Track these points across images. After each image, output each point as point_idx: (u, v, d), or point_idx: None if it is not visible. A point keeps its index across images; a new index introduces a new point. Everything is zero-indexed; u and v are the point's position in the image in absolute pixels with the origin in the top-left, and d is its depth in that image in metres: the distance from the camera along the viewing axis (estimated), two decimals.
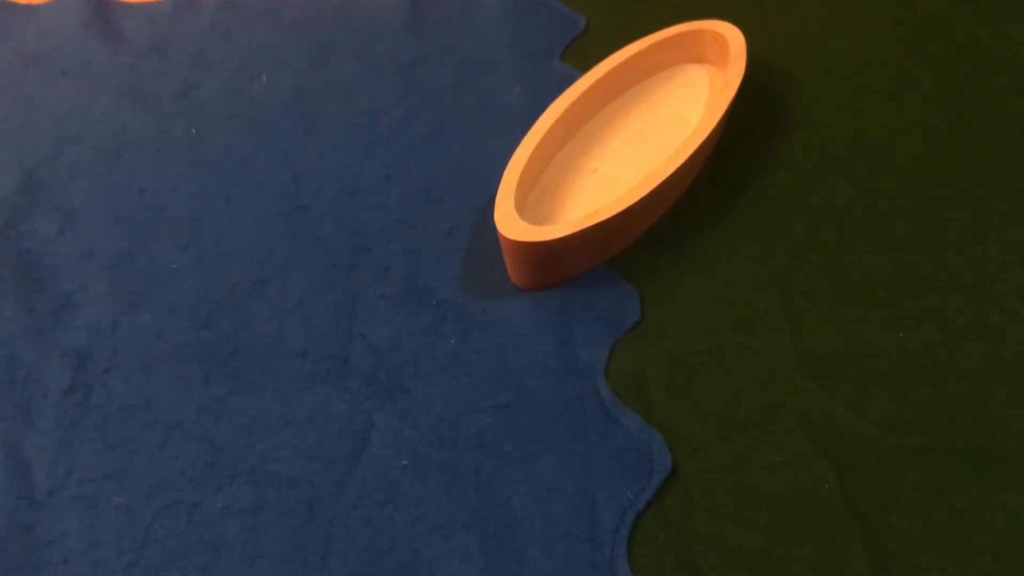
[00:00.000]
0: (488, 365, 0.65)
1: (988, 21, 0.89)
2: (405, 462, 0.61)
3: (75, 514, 0.59)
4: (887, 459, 0.59)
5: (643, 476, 0.59)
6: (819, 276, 0.69)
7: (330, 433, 0.62)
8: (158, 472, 0.61)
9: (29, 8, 0.96)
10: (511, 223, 0.65)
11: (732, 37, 0.78)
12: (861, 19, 0.91)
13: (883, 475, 0.58)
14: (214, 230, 0.75)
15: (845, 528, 0.56)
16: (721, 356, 0.65)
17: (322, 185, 0.78)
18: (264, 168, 0.80)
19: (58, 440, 0.62)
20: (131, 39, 0.92)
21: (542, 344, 0.66)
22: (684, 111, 0.79)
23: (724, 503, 0.58)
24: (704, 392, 0.63)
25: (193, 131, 0.83)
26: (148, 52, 0.91)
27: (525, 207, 0.72)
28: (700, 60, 0.83)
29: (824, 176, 0.76)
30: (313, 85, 0.87)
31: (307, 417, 0.63)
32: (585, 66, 0.80)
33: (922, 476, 0.58)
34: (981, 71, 0.84)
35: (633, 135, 0.78)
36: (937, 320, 0.66)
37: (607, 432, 0.61)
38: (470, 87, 0.86)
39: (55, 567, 0.56)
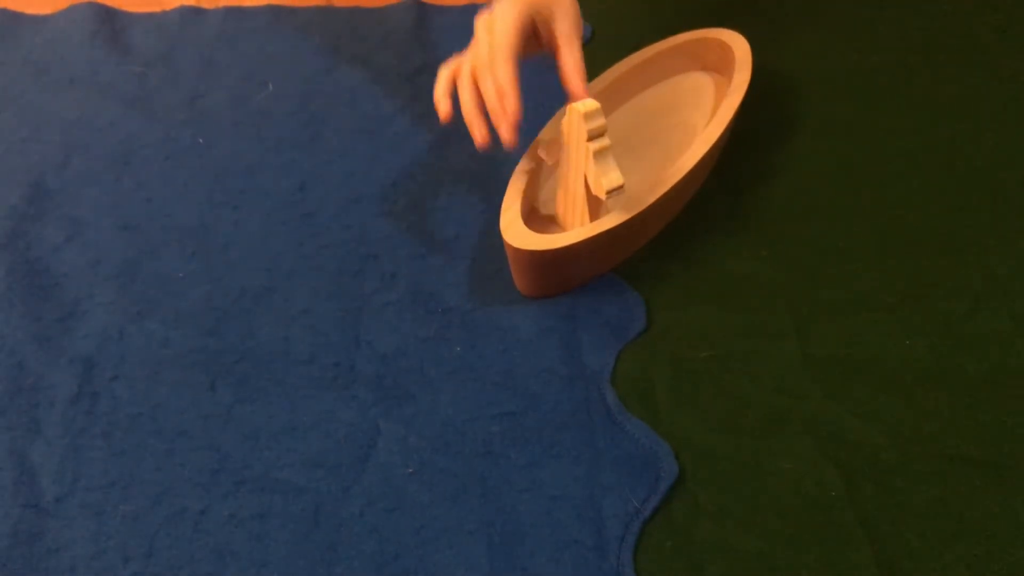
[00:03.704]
0: (494, 372, 0.65)
1: (996, 28, 0.89)
2: (411, 469, 0.60)
3: (82, 522, 0.59)
4: (895, 466, 0.59)
5: (649, 483, 0.59)
6: (826, 282, 0.69)
7: (336, 440, 0.62)
8: (164, 479, 0.61)
9: (37, 18, 0.97)
10: (516, 230, 0.65)
11: (737, 45, 0.78)
12: (866, 26, 0.91)
13: (891, 482, 0.58)
14: (221, 238, 0.75)
15: (853, 535, 0.56)
16: (728, 362, 0.65)
17: (329, 192, 0.78)
18: (271, 176, 0.80)
19: (65, 448, 0.62)
20: (138, 48, 0.93)
21: (548, 351, 0.66)
22: (690, 119, 0.79)
23: (731, 510, 0.57)
24: (711, 399, 0.63)
25: (200, 139, 0.83)
26: (155, 61, 0.91)
27: (531, 214, 0.72)
28: (705, 68, 0.83)
29: (830, 183, 0.76)
30: (320, 93, 0.87)
31: (313, 424, 0.63)
32: (591, 74, 0.80)
33: (930, 483, 0.58)
34: (989, 77, 0.84)
35: (639, 142, 0.78)
36: (945, 326, 0.66)
37: (613, 439, 0.61)
38: None
39: (61, 574, 0.56)
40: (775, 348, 0.65)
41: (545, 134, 0.73)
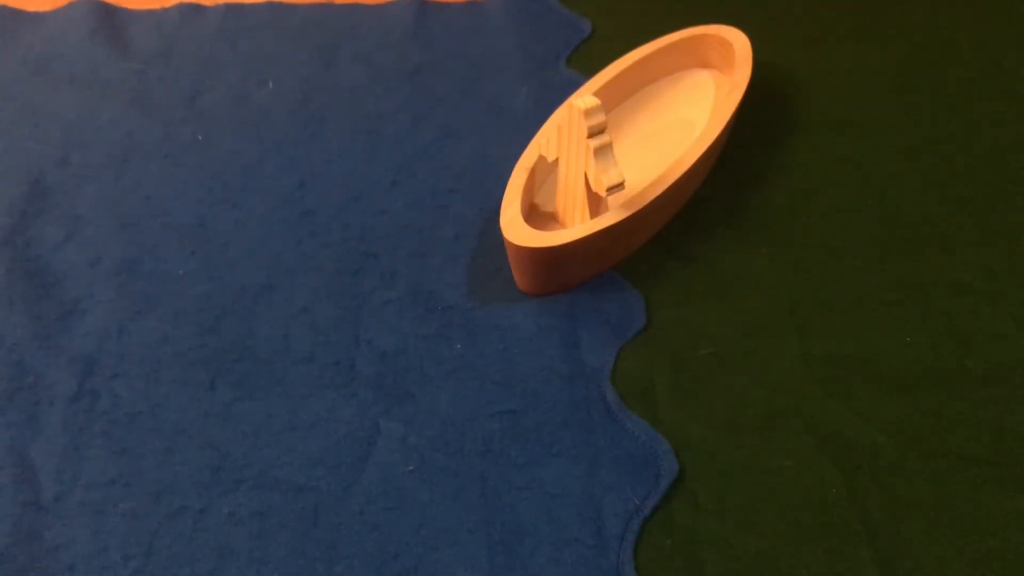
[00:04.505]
0: (494, 370, 0.65)
1: (995, 25, 0.89)
2: (411, 468, 0.60)
3: (81, 520, 0.59)
4: (895, 464, 0.58)
5: (649, 481, 0.59)
6: (826, 280, 0.69)
7: (336, 439, 0.62)
8: (164, 478, 0.61)
9: (36, 15, 0.97)
10: (517, 228, 0.65)
11: (738, 42, 0.78)
12: (866, 24, 0.90)
13: (891, 480, 0.58)
14: (220, 236, 0.75)
15: (853, 533, 0.55)
16: (728, 360, 0.65)
17: (328, 191, 0.78)
18: (270, 174, 0.80)
19: (64, 446, 0.62)
20: (138, 46, 0.93)
21: (548, 349, 0.66)
22: (690, 116, 0.79)
23: (731, 508, 0.57)
24: (711, 397, 0.63)
25: (200, 137, 0.83)
26: (155, 58, 0.91)
27: (531, 212, 0.72)
28: (706, 65, 0.83)
29: (831, 180, 0.76)
30: (319, 91, 0.87)
31: (313, 423, 0.63)
32: (590, 71, 0.81)
33: (930, 481, 0.58)
34: (988, 74, 0.84)
35: (639, 140, 0.77)
36: (945, 324, 0.65)
37: (613, 437, 0.61)
38: (476, 92, 0.86)
39: (61, 573, 0.56)
40: (775, 346, 0.65)
41: (545, 131, 0.72)
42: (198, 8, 0.97)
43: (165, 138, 0.83)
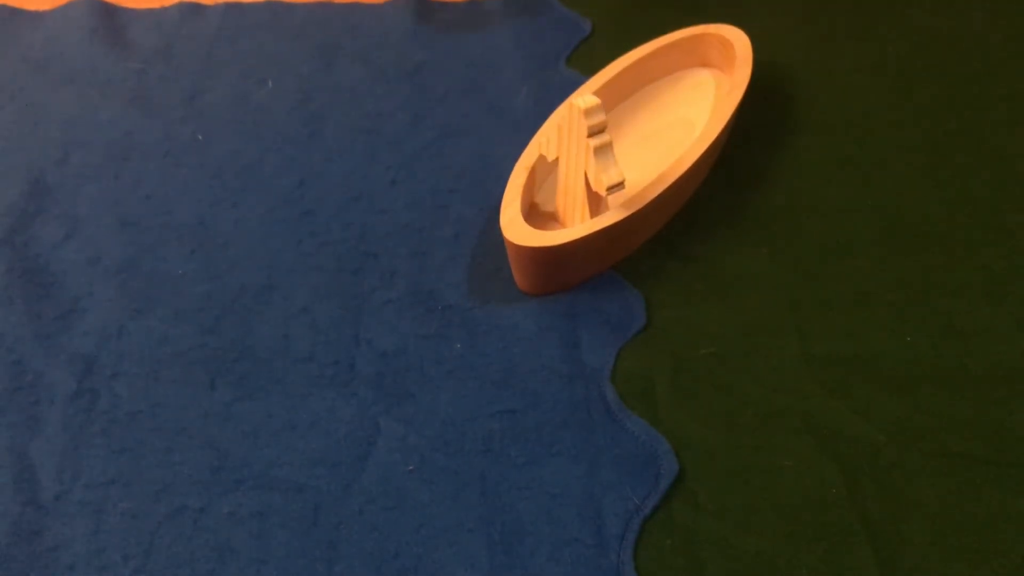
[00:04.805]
0: (494, 370, 0.65)
1: (996, 25, 0.89)
2: (411, 467, 0.60)
3: (81, 519, 0.59)
4: (895, 464, 0.58)
5: (649, 481, 0.59)
6: (827, 280, 0.69)
7: (336, 438, 0.62)
8: (164, 477, 0.61)
9: (36, 14, 0.97)
10: (517, 228, 0.65)
11: (738, 41, 0.78)
12: (867, 23, 0.90)
13: (891, 480, 0.58)
14: (220, 235, 0.75)
15: (853, 533, 0.55)
16: (728, 360, 0.65)
17: (328, 190, 0.78)
18: (270, 173, 0.80)
19: (64, 445, 0.62)
20: (137, 45, 0.93)
21: (548, 349, 0.66)
22: (690, 115, 0.79)
23: (731, 508, 0.57)
24: (711, 396, 0.63)
25: (199, 136, 0.83)
26: (154, 58, 0.91)
27: (531, 211, 0.72)
28: (706, 64, 0.83)
29: (831, 180, 0.76)
30: (319, 90, 0.87)
31: (313, 422, 0.63)
32: (591, 70, 0.81)
33: (931, 481, 0.57)
34: (989, 74, 0.84)
35: (639, 139, 0.77)
36: (946, 324, 0.65)
37: (613, 437, 0.61)
38: (476, 91, 0.86)
39: (61, 572, 0.56)
40: (775, 346, 0.65)
41: (545, 130, 0.72)
42: (198, 7, 0.96)
43: (165, 137, 0.83)
